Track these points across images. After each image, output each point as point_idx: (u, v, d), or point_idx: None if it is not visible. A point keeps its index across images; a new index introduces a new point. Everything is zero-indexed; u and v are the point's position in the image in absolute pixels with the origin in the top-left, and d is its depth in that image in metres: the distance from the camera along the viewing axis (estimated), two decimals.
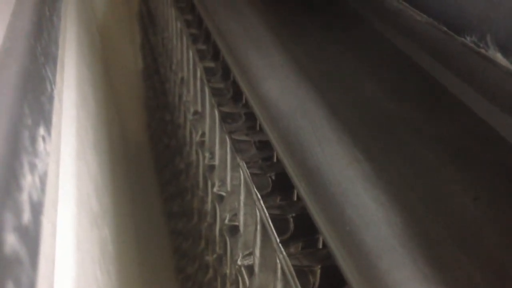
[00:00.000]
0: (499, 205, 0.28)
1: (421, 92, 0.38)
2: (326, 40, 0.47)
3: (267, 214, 0.33)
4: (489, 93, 0.35)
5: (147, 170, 1.21)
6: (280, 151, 0.35)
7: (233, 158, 0.43)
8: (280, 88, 0.39)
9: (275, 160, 0.39)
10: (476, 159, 0.32)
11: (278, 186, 0.37)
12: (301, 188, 0.31)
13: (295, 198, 0.36)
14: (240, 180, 0.40)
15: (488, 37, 0.33)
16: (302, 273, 0.30)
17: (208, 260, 0.59)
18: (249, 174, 0.37)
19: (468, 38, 0.36)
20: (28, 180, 0.23)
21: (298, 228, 0.33)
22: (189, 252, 0.76)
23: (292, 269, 0.30)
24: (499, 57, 0.33)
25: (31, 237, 0.21)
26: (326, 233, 0.28)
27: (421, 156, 0.32)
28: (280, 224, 0.33)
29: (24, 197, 0.21)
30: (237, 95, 0.47)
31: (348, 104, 0.37)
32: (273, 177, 0.37)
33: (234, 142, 0.41)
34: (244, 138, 0.41)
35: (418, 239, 0.26)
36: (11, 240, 0.19)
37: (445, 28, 0.39)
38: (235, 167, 0.43)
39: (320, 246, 0.32)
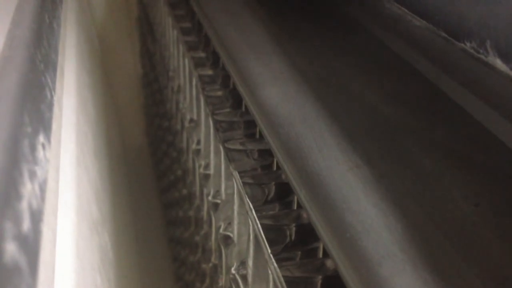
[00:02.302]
0: (500, 211, 0.28)
1: (421, 98, 0.38)
2: (325, 46, 0.47)
3: (259, 225, 0.33)
4: (489, 99, 0.35)
5: (147, 176, 1.20)
6: (280, 157, 0.34)
7: (227, 167, 0.43)
8: (280, 94, 0.39)
9: (274, 168, 0.39)
10: (476, 164, 0.32)
11: (276, 196, 0.37)
12: (301, 194, 0.31)
13: (295, 207, 0.36)
14: (233, 189, 0.40)
15: (487, 43, 0.33)
16: (294, 284, 0.30)
17: (204, 269, 0.59)
18: (241, 184, 0.37)
19: (468, 44, 0.36)
20: (28, 188, 0.23)
21: (295, 237, 0.33)
22: (187, 260, 0.76)
23: (282, 280, 0.30)
24: (498, 63, 0.33)
25: (31, 246, 0.21)
26: (327, 239, 0.28)
27: (421, 162, 0.32)
28: (275, 234, 0.33)
29: (24, 206, 0.21)
30: (237, 102, 0.47)
31: (348, 110, 0.37)
32: (271, 187, 0.37)
33: (227, 151, 0.41)
34: (238, 147, 0.41)
35: (419, 245, 0.26)
36: (11, 249, 0.19)
37: (444, 34, 0.39)
38: (229, 176, 0.43)
39: (320, 255, 0.32)
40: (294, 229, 0.33)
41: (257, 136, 0.42)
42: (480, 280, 0.24)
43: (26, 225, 0.21)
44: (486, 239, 0.26)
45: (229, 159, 0.40)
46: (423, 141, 0.33)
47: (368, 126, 0.35)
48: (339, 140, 0.33)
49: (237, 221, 0.41)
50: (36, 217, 0.23)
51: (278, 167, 0.38)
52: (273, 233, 0.33)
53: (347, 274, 0.26)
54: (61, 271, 0.35)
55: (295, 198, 0.36)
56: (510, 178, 0.30)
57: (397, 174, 0.30)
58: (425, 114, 0.36)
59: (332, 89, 0.39)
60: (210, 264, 0.54)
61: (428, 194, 0.29)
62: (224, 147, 0.42)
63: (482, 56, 0.34)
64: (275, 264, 0.31)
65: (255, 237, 0.34)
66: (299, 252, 0.33)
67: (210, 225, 0.51)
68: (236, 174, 0.38)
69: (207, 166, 0.53)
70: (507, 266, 0.25)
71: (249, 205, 0.35)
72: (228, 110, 0.46)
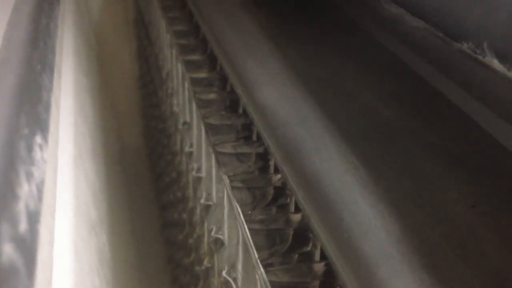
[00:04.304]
0: (497, 212, 0.28)
1: (418, 98, 0.38)
2: (323, 47, 0.47)
3: (247, 230, 0.33)
4: (486, 99, 0.35)
5: (144, 177, 1.20)
6: (278, 159, 0.34)
7: (217, 171, 0.43)
8: (278, 95, 0.39)
9: (268, 172, 0.39)
10: (473, 165, 0.32)
11: (269, 200, 0.37)
12: (299, 196, 0.31)
13: (291, 210, 0.36)
14: (224, 193, 0.40)
15: (485, 43, 0.33)
16: None
17: (198, 271, 0.59)
18: (230, 188, 0.37)
19: (465, 45, 0.36)
20: (24, 189, 0.22)
21: (285, 242, 0.33)
22: (181, 262, 0.76)
23: (269, 285, 0.30)
24: (495, 64, 0.33)
25: (28, 247, 0.21)
26: (324, 241, 0.28)
27: (419, 163, 0.32)
28: (264, 238, 0.33)
29: (21, 207, 0.21)
30: (231, 105, 0.47)
31: (346, 111, 0.37)
32: (263, 190, 0.37)
33: (218, 154, 0.41)
34: (229, 150, 0.41)
35: (416, 246, 0.26)
36: (8, 250, 0.19)
37: (442, 35, 0.39)
38: (219, 180, 0.43)
39: (318, 258, 0.32)
40: (284, 233, 0.33)
41: (254, 138, 0.42)
42: (477, 281, 0.24)
43: (23, 226, 0.21)
44: (483, 239, 0.26)
45: (219, 163, 0.40)
46: (420, 142, 0.33)
47: (366, 127, 0.35)
48: (337, 141, 0.33)
49: (227, 224, 0.41)
50: (33, 218, 0.22)
51: (274, 170, 0.38)
52: (262, 237, 0.33)
53: (345, 275, 0.26)
54: (59, 272, 0.35)
55: (291, 200, 0.36)
56: (507, 178, 0.30)
57: (395, 175, 0.30)
58: (422, 115, 0.36)
59: (330, 90, 0.39)
60: (203, 267, 0.54)
61: (426, 195, 0.29)
62: (215, 151, 0.41)
63: (480, 57, 0.34)
64: (262, 269, 0.30)
65: (244, 241, 0.34)
66: (291, 257, 0.32)
67: (202, 228, 0.51)
68: (225, 178, 0.38)
69: (199, 169, 0.53)
70: (504, 266, 0.25)
71: (237, 210, 0.35)
72: (220, 113, 0.46)
